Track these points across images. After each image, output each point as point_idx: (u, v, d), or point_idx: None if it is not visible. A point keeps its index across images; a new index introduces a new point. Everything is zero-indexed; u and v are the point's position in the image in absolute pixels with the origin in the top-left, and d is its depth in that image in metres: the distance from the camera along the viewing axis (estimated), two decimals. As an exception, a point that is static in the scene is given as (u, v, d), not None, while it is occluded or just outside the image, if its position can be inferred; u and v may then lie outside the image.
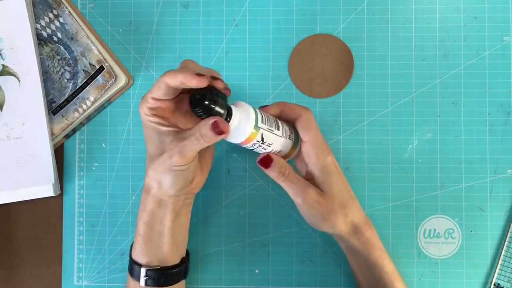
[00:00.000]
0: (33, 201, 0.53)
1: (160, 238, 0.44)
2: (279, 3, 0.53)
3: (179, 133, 0.42)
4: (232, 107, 0.41)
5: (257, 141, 0.43)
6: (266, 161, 0.44)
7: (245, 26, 0.53)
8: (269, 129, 0.43)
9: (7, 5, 0.51)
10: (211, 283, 0.52)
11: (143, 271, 0.43)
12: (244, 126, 0.41)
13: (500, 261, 0.51)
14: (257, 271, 0.52)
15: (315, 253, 0.52)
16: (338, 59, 0.53)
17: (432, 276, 0.52)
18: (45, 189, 0.51)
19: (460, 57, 0.52)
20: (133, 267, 0.44)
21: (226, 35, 0.53)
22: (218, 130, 0.39)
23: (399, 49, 0.53)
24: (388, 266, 0.45)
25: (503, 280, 0.51)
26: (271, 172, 0.44)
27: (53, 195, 0.52)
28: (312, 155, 0.45)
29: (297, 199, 0.44)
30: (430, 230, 0.52)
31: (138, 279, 0.43)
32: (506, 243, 0.51)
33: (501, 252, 0.51)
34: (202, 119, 0.40)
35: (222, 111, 0.40)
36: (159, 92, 0.40)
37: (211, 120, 0.39)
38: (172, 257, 0.45)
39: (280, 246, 0.52)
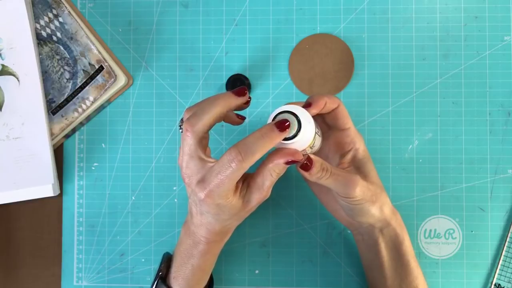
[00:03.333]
0: (33, 201, 0.53)
1: (206, 277, 0.46)
2: (279, 2, 0.53)
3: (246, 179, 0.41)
4: (301, 119, 0.37)
5: (310, 147, 0.39)
6: (307, 164, 0.39)
7: (245, 26, 0.53)
8: (317, 132, 0.40)
9: (7, 5, 0.51)
10: (211, 283, 0.52)
11: None
12: (307, 139, 0.38)
13: (500, 262, 0.51)
14: (257, 271, 0.52)
15: (315, 253, 0.52)
16: (338, 59, 0.52)
17: (432, 276, 0.51)
18: (45, 189, 0.51)
19: (460, 57, 0.52)
20: None
21: (226, 35, 0.53)
22: (290, 162, 0.38)
23: (400, 49, 0.52)
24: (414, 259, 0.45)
25: (504, 281, 0.51)
26: (314, 174, 0.40)
27: (52, 195, 0.51)
28: (357, 140, 0.44)
29: (347, 189, 0.41)
30: (430, 230, 0.52)
31: None
32: (506, 244, 0.51)
33: (502, 252, 0.51)
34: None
35: (299, 132, 0.37)
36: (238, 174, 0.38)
37: (282, 160, 0.38)
38: (204, 284, 0.47)
39: (280, 246, 0.52)
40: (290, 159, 0.38)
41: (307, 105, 0.40)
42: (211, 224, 0.41)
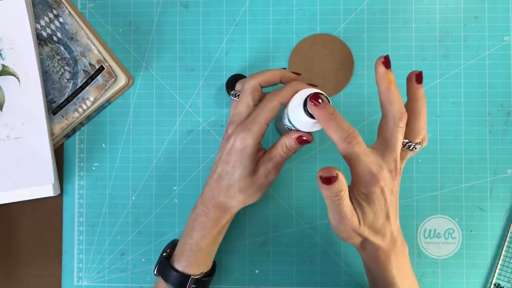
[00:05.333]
0: (33, 201, 0.53)
1: (215, 249, 0.47)
2: (279, 3, 0.53)
3: (261, 152, 0.45)
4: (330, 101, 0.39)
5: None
6: (330, 178, 0.37)
7: (245, 26, 0.53)
8: None
9: (7, 5, 0.51)
10: (211, 283, 0.52)
11: (192, 280, 0.45)
12: None
13: (500, 261, 0.51)
14: (257, 271, 0.52)
15: (315, 253, 0.52)
16: (338, 59, 0.53)
17: (432, 276, 0.51)
18: (45, 189, 0.51)
19: (460, 57, 0.52)
20: (179, 279, 0.45)
21: (226, 35, 0.53)
22: (304, 141, 0.42)
23: (399, 49, 0.53)
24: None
25: (503, 280, 0.51)
26: (330, 191, 0.37)
27: (53, 195, 0.51)
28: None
29: (335, 223, 0.40)
30: (430, 230, 0.52)
31: None
32: (506, 243, 0.51)
33: (501, 252, 0.51)
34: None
35: None
36: (273, 114, 0.42)
37: (295, 135, 0.42)
38: (211, 263, 0.48)
39: (280, 246, 0.52)
40: (302, 135, 0.41)
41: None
42: (217, 190, 0.44)
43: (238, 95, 0.45)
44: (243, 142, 0.42)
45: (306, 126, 0.41)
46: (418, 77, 0.40)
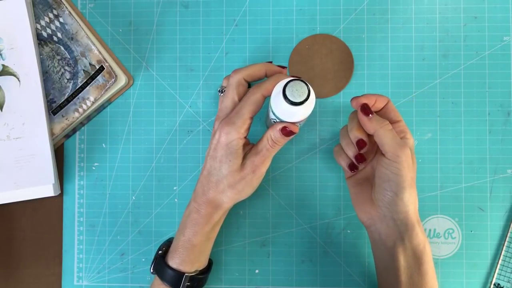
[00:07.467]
0: (33, 201, 0.53)
1: (209, 246, 0.47)
2: (279, 3, 0.53)
3: (249, 146, 0.45)
4: (310, 88, 0.40)
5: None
6: (367, 110, 0.43)
7: (245, 26, 0.53)
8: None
9: (7, 5, 0.51)
10: (211, 283, 0.52)
11: (187, 278, 0.45)
12: (311, 107, 0.41)
13: (500, 261, 0.51)
14: (257, 271, 0.53)
15: (315, 253, 0.52)
16: (338, 59, 0.53)
17: (432, 276, 0.51)
18: (45, 189, 0.51)
19: (460, 57, 0.52)
20: (174, 276, 0.45)
21: (226, 35, 0.53)
22: (289, 132, 0.42)
23: (399, 49, 0.53)
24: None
25: (503, 280, 0.51)
26: (375, 119, 0.43)
27: (53, 195, 0.52)
28: (408, 131, 0.46)
29: (397, 150, 0.43)
30: (430, 230, 0.52)
31: (178, 287, 0.45)
32: (506, 243, 0.51)
33: (501, 252, 0.51)
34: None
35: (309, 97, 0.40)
36: (256, 107, 0.43)
37: (279, 127, 0.42)
38: (207, 261, 0.48)
39: (280, 246, 0.52)
40: (286, 126, 0.42)
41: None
42: (207, 186, 0.44)
43: (225, 90, 0.46)
44: (227, 137, 0.42)
45: (288, 115, 0.41)
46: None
